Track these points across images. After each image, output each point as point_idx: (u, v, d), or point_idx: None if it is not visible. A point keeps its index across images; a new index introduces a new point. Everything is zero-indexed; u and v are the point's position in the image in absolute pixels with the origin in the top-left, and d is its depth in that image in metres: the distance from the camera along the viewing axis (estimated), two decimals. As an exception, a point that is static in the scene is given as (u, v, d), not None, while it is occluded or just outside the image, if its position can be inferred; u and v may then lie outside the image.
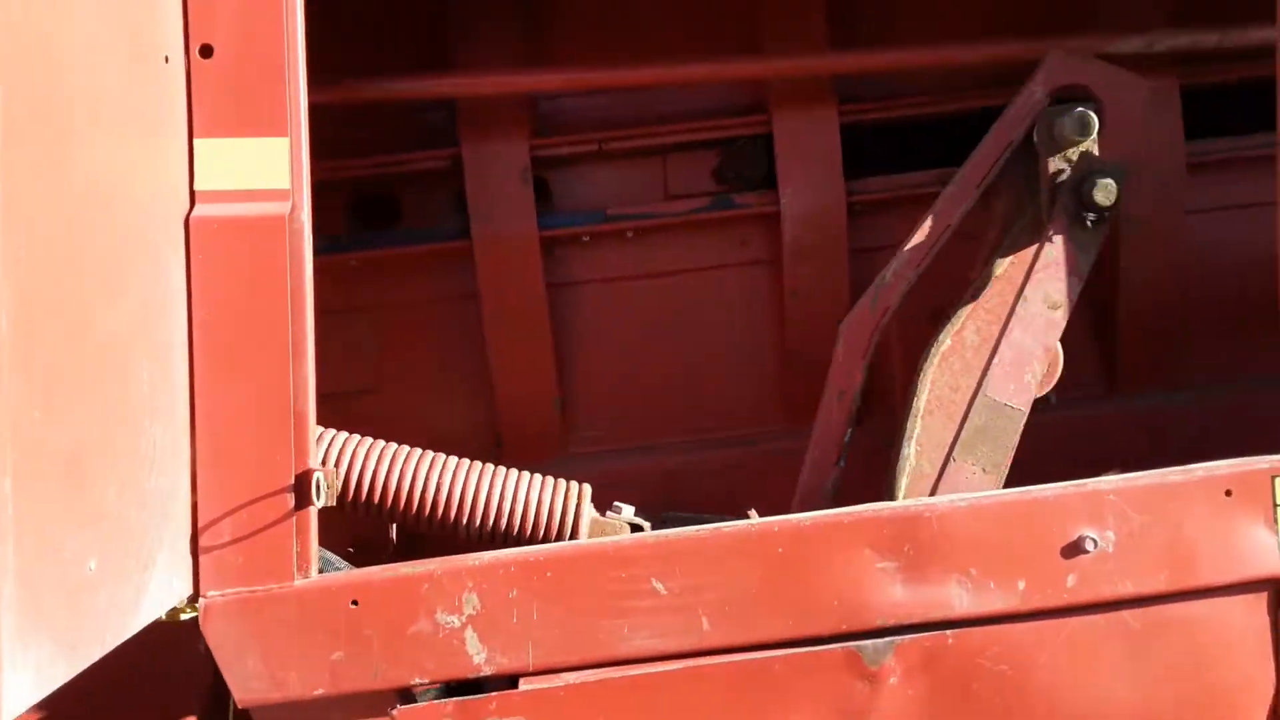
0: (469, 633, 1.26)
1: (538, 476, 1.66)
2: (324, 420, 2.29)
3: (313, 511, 1.28)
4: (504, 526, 1.55)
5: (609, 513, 1.65)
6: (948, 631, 1.28)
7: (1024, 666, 1.30)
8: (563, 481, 1.64)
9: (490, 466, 1.61)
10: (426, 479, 1.55)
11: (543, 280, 2.15)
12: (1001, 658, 1.30)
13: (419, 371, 2.27)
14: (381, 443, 1.58)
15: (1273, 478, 1.57)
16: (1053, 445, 2.21)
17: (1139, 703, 1.32)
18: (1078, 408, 2.28)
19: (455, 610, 1.25)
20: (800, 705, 1.30)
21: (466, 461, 1.61)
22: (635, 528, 1.64)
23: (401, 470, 1.55)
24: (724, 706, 1.30)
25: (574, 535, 1.59)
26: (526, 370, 2.20)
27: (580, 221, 2.19)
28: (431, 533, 1.56)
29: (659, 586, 1.26)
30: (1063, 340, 2.26)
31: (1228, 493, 1.56)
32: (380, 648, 1.26)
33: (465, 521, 1.54)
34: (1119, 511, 1.54)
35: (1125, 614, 1.31)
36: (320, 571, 1.30)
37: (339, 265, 2.17)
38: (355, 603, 1.27)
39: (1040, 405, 1.81)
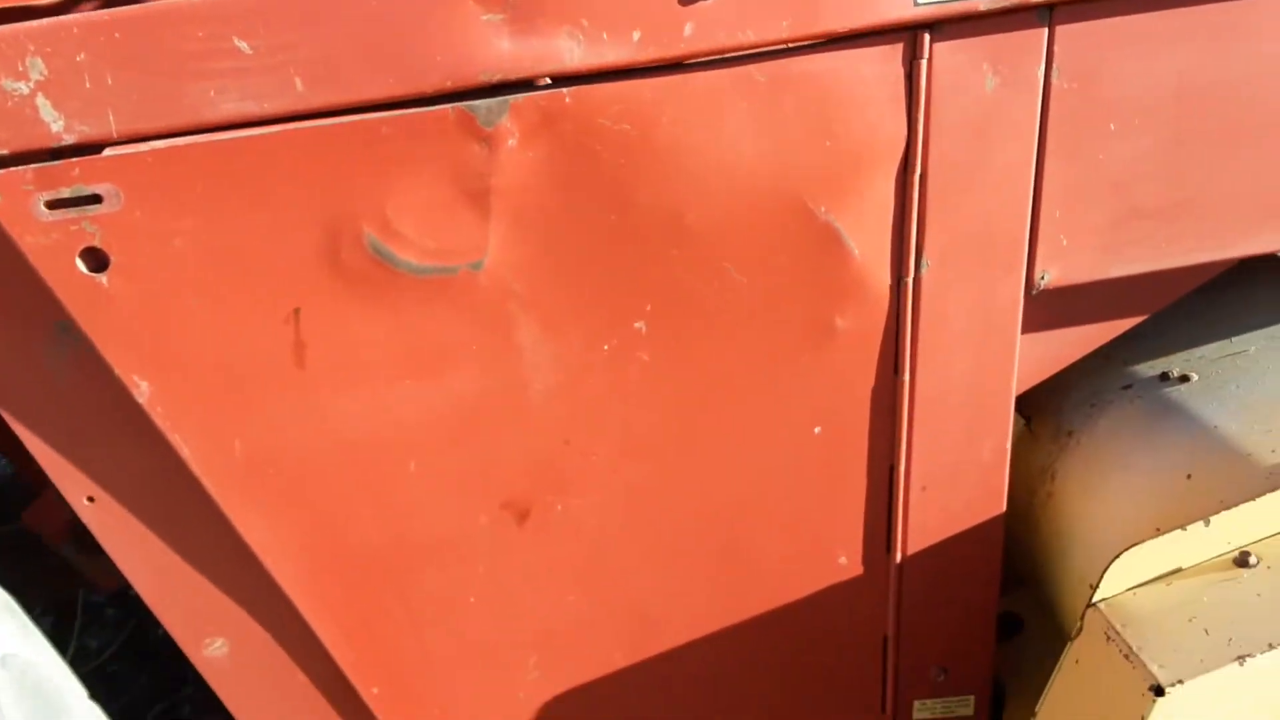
0: (40, 99, 1.11)
1: None
2: None
3: None
4: None
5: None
6: (564, 90, 1.16)
7: (647, 125, 1.18)
8: None
9: None
10: None
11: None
12: (623, 116, 1.18)
13: None
14: None
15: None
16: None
17: (768, 159, 1.22)
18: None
19: (21, 77, 1.11)
20: (416, 169, 1.18)
21: None
22: None
23: None
24: (334, 171, 1.18)
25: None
26: None
27: None
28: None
29: (243, 46, 1.11)
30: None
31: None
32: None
33: None
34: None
35: (751, 69, 1.18)
36: None
37: None
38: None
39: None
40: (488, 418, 1.34)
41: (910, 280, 1.32)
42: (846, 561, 1.48)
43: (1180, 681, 1.11)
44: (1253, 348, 1.57)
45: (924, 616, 1.53)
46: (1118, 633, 1.21)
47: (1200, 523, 1.26)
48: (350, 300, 1.26)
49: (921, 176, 1.27)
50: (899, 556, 1.47)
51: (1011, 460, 1.74)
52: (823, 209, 1.27)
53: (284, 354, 1.28)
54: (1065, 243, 1.33)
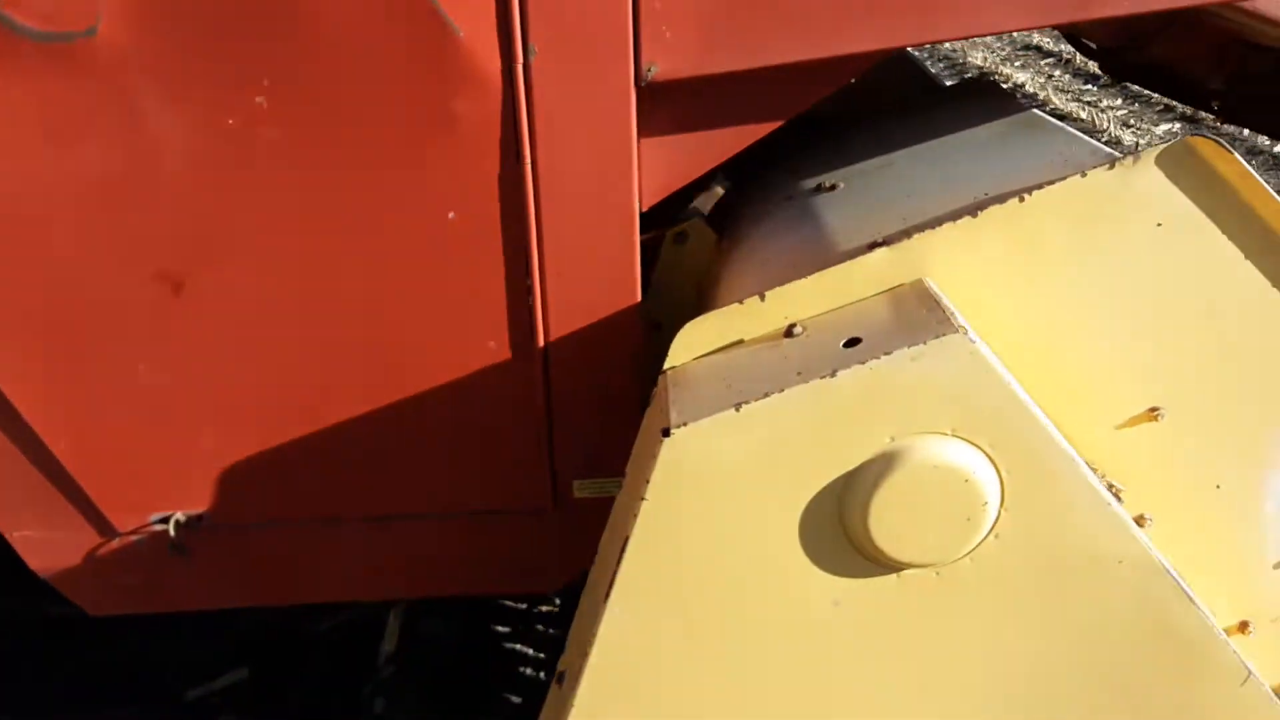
0: None
1: None
2: None
3: None
4: None
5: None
6: None
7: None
8: None
9: None
10: None
11: None
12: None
13: None
14: None
15: None
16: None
17: None
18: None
19: None
20: None
21: None
22: None
23: None
24: None
25: None
26: None
27: None
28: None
29: None
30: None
31: None
32: None
33: None
34: None
35: None
36: None
37: None
38: None
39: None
40: (125, 187, 1.44)
41: (520, 66, 1.40)
42: (495, 346, 1.59)
43: (684, 424, 1.23)
44: (900, 161, 1.64)
45: (573, 400, 1.64)
46: (666, 391, 1.33)
47: (755, 297, 1.36)
48: (-24, 65, 1.35)
49: (518, -41, 1.34)
50: (542, 341, 1.58)
51: (702, 273, 1.84)
52: (421, -12, 1.34)
53: (-79, 114, 1.38)
54: (669, 35, 1.39)
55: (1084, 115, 8.18)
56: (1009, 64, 9.65)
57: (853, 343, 1.25)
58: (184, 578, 1.76)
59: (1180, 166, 1.28)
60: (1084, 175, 1.27)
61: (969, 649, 1.32)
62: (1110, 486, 1.42)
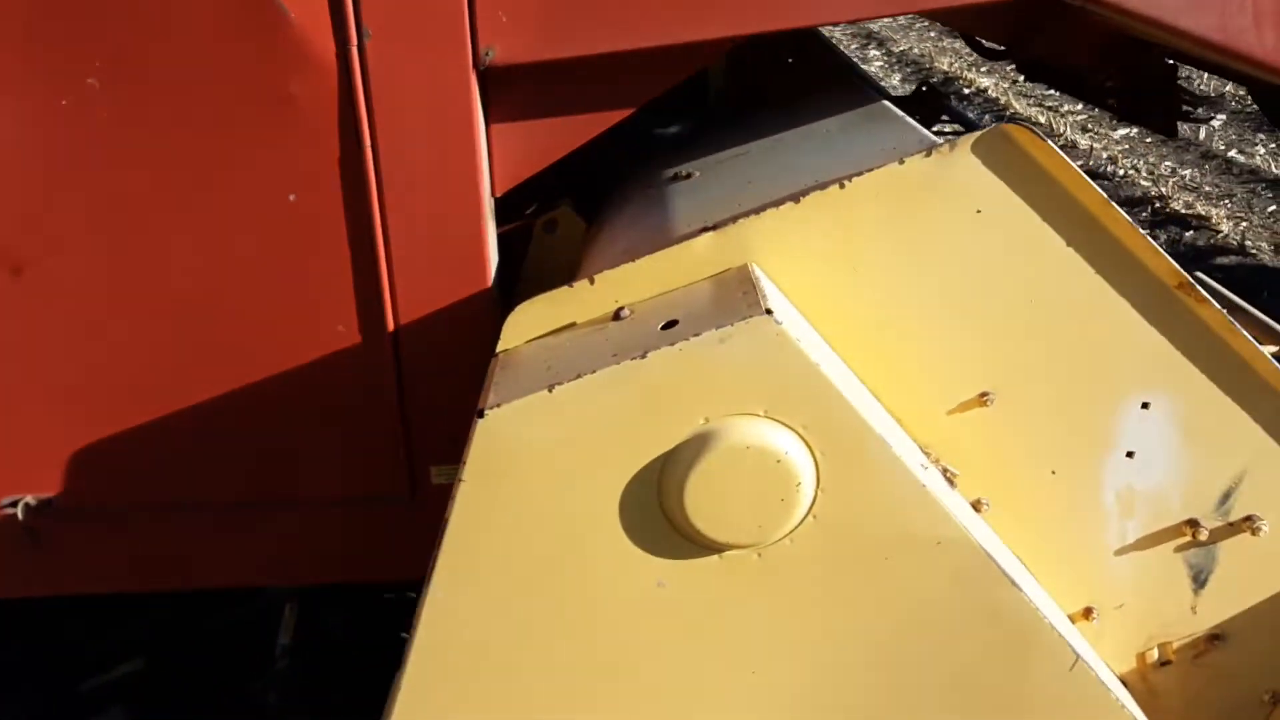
0: None
1: None
2: None
3: None
4: None
5: None
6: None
7: None
8: None
9: None
10: None
11: None
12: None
13: None
14: None
15: None
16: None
17: None
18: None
19: None
20: None
21: None
22: None
23: None
24: None
25: None
26: None
27: None
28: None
29: None
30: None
31: None
32: None
33: None
34: None
35: None
36: None
37: None
38: None
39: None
40: (-42, 168, 1.43)
41: (355, 49, 1.39)
42: (345, 330, 1.59)
43: (498, 405, 1.23)
44: (753, 151, 1.65)
45: (427, 385, 1.64)
46: (493, 373, 1.33)
47: (586, 281, 1.36)
48: None
49: (345, -59, 1.33)
50: (392, 326, 1.58)
51: (572, 260, 1.84)
52: (247, -31, 1.33)
53: None
54: (505, 20, 1.39)
55: (1043, 119, 8.29)
56: (975, 69, 9.76)
57: (670, 325, 1.25)
58: (38, 563, 1.75)
59: (996, 154, 1.29)
60: (902, 162, 1.28)
61: (795, 630, 1.33)
62: (944, 471, 1.44)
